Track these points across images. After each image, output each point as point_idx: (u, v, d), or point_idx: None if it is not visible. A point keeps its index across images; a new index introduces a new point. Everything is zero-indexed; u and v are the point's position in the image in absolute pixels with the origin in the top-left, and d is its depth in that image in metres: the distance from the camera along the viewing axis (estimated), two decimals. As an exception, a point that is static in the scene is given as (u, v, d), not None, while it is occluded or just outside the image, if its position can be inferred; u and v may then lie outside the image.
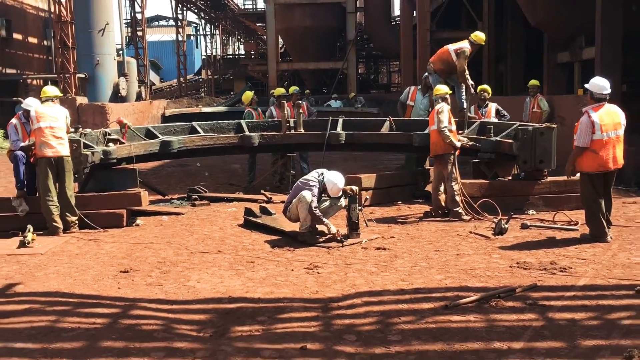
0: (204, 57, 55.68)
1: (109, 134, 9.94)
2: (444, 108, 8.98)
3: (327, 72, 36.55)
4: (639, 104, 23.91)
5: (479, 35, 10.74)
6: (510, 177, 9.67)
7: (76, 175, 8.77)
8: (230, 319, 5.16)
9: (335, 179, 7.82)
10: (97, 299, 5.75)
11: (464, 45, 10.68)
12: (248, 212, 8.91)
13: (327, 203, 8.01)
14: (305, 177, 8.16)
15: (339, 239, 7.66)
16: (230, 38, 64.35)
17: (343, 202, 8.10)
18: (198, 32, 61.13)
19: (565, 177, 8.98)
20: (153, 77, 51.90)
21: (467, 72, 10.66)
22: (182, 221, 9.12)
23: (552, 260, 6.50)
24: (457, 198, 8.74)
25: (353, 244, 7.56)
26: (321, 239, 7.78)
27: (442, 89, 9.38)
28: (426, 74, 11.78)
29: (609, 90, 7.24)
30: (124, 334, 4.82)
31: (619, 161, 7.23)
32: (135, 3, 31.98)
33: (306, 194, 7.70)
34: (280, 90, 13.91)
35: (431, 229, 8.31)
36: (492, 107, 12.08)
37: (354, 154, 14.90)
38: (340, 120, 11.46)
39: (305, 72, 37.26)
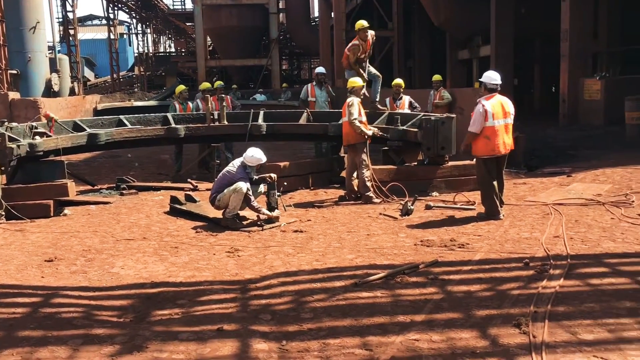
0: (136, 54, 53.95)
1: (36, 127, 9.34)
2: (354, 101, 8.88)
3: (253, 68, 36.05)
4: (528, 97, 24.79)
5: (358, 23, 10.78)
6: (415, 163, 9.70)
7: (2, 168, 8.21)
8: (151, 303, 4.90)
9: (252, 152, 7.75)
10: (19, 288, 5.34)
11: (353, 42, 10.80)
12: (174, 199, 8.58)
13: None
14: (228, 168, 7.89)
15: (259, 223, 7.49)
16: (161, 37, 62.57)
17: (262, 188, 7.93)
18: (130, 31, 59.14)
19: (464, 162, 9.14)
20: (88, 73, 49.93)
21: (362, 62, 10.80)
22: (109, 210, 8.69)
23: (452, 237, 6.52)
24: (368, 183, 8.69)
25: (272, 227, 7.40)
26: (244, 223, 7.58)
27: (355, 81, 9.28)
28: (317, 70, 12.50)
29: (499, 81, 7.34)
30: (43, 322, 4.47)
31: (509, 146, 7.34)
32: (67, 2, 30.49)
33: (242, 185, 7.46)
34: (205, 85, 13.51)
35: (345, 211, 8.22)
36: (406, 99, 12.24)
37: (276, 144, 14.61)
38: (262, 113, 11.24)
39: (232, 68, 36.67)
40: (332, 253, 6.18)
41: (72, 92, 25.01)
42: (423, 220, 7.49)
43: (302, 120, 11.01)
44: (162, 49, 61.68)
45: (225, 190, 7.57)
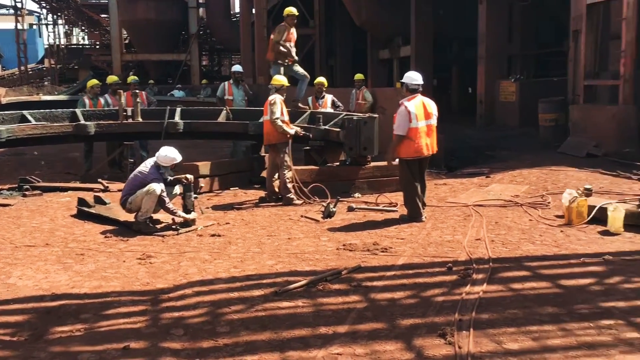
0: (46, 46, 51.31)
1: None
2: (277, 99, 8.61)
3: (172, 64, 35.10)
4: (446, 97, 25.34)
5: (287, 9, 10.58)
6: (338, 163, 9.55)
7: None
8: (50, 318, 4.46)
9: (165, 151, 7.29)
10: None
11: (280, 24, 10.59)
12: (81, 202, 8.01)
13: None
14: (140, 168, 7.42)
15: (174, 227, 7.09)
16: (74, 28, 59.77)
17: (178, 189, 7.52)
18: (40, 22, 56.20)
19: (386, 162, 9.03)
20: (-7, 65, 47.21)
21: (286, 46, 10.48)
22: (9, 213, 8.01)
23: (374, 240, 6.36)
24: (289, 184, 8.45)
25: (188, 231, 7.02)
26: (157, 227, 7.16)
27: (278, 79, 8.99)
28: (234, 69, 12.61)
29: (420, 82, 7.27)
30: None
31: (432, 148, 7.28)
32: (-32, -12, 28.54)
33: (156, 186, 7.02)
34: (112, 78, 12.79)
35: (265, 214, 7.94)
36: (328, 98, 12.05)
37: (195, 142, 14.12)
38: (179, 110, 10.79)
39: (149, 63, 35.57)
40: (252, 259, 5.90)
41: (-27, 85, 23.46)
42: (345, 222, 7.32)
43: (222, 118, 10.67)
44: (75, 41, 58.96)
45: (137, 192, 7.12)
